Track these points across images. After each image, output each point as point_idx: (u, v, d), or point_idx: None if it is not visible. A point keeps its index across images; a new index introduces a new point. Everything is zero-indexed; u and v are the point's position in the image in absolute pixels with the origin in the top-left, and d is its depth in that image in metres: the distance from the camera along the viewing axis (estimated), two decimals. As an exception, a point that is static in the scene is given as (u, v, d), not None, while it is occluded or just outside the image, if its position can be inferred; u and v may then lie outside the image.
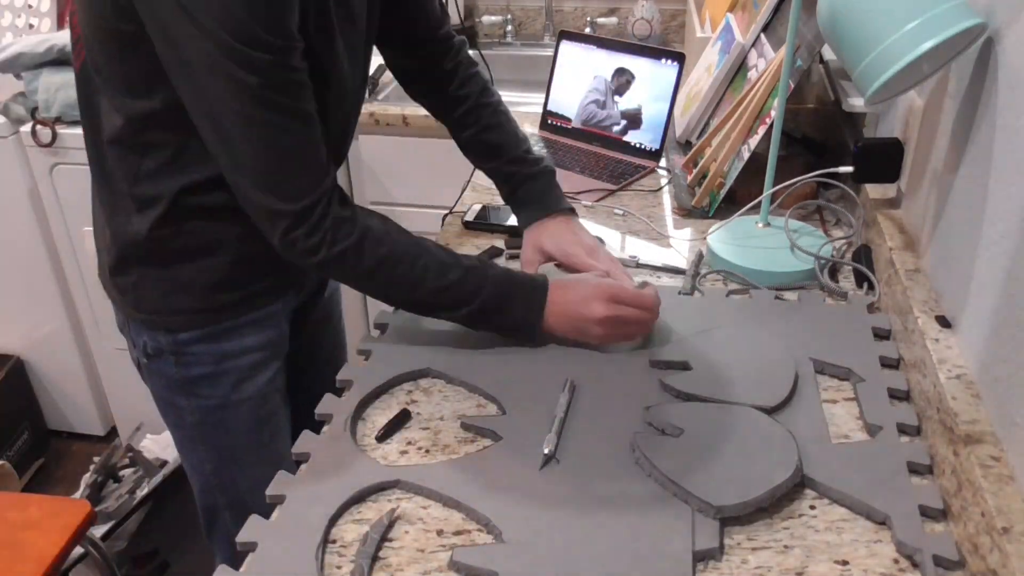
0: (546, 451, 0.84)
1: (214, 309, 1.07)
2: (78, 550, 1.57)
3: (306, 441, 0.88)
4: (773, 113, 1.16)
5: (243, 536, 0.77)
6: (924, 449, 0.84)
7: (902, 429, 0.87)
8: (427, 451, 0.88)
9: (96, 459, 2.00)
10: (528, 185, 1.16)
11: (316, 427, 0.91)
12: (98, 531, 1.83)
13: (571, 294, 0.98)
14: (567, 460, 0.84)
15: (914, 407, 0.90)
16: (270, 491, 0.82)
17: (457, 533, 0.78)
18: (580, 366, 0.97)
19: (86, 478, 1.96)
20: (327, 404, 0.93)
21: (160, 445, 2.08)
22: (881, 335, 1.01)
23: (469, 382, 0.95)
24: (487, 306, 0.97)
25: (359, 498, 0.82)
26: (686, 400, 0.91)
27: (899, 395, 0.92)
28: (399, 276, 0.95)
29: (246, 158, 0.88)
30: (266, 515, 0.80)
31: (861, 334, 1.00)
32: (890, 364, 0.96)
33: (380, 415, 0.93)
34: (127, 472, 2.02)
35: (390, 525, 0.79)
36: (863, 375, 0.94)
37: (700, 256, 1.19)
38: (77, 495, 1.92)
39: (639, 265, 1.19)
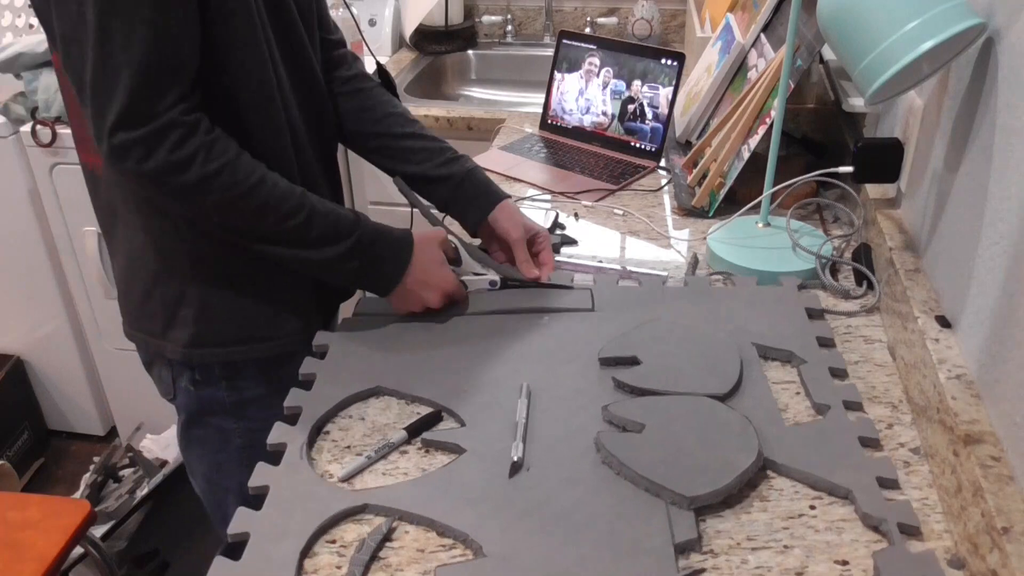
0: (515, 458, 0.83)
1: (280, 336, 1.08)
2: (78, 550, 1.57)
3: (263, 474, 0.83)
4: (773, 113, 1.16)
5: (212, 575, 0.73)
6: (871, 423, 0.87)
7: (848, 405, 0.90)
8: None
9: (96, 459, 2.00)
10: (471, 179, 1.14)
11: None
12: (98, 531, 1.83)
13: (431, 254, 1.05)
14: (535, 466, 0.83)
15: (855, 384, 0.94)
16: (231, 530, 0.77)
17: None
18: (531, 370, 0.96)
19: (86, 478, 1.96)
20: (278, 433, 0.88)
21: (160, 445, 2.08)
22: (814, 315, 1.04)
23: (423, 396, 0.93)
24: (360, 246, 0.99)
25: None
26: (640, 395, 0.92)
27: (839, 373, 0.95)
28: (274, 197, 0.94)
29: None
30: None
31: (796, 315, 1.03)
32: (826, 343, 0.99)
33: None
34: (127, 472, 2.01)
35: (388, 534, 0.78)
36: (804, 356, 0.96)
37: (695, 259, 1.19)
38: (77, 495, 1.92)
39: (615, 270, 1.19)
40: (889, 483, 0.81)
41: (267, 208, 0.94)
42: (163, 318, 1.06)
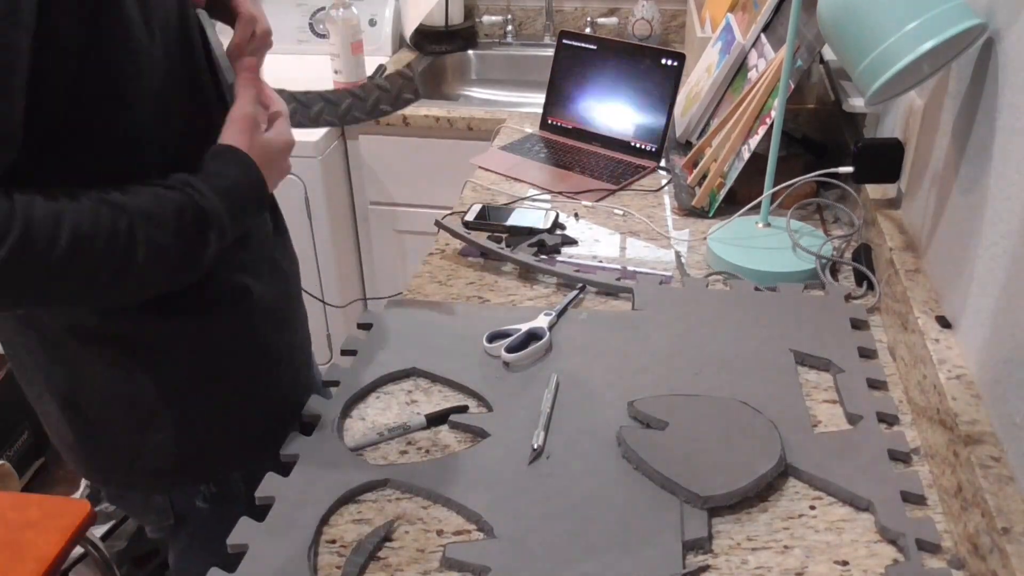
0: (535, 446, 0.85)
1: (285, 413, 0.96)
2: (78, 550, 1.57)
3: (294, 443, 0.88)
4: (773, 113, 1.16)
5: (234, 538, 0.76)
6: (904, 437, 0.86)
7: (881, 418, 0.88)
8: (427, 451, 0.88)
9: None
10: None
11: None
12: (98, 531, 1.83)
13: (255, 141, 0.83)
14: (555, 455, 0.85)
15: (892, 396, 0.92)
16: (259, 493, 0.81)
17: (457, 533, 0.78)
18: (564, 363, 0.98)
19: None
20: (314, 405, 0.92)
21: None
22: (858, 325, 1.03)
23: (455, 381, 0.96)
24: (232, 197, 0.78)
25: (349, 498, 0.82)
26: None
27: (877, 384, 0.94)
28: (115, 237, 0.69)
29: None
30: None
31: (839, 324, 1.02)
32: (868, 354, 0.98)
33: (369, 415, 0.93)
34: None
35: (386, 537, 0.78)
36: (842, 365, 0.95)
37: (678, 256, 1.20)
38: (77, 495, 1.92)
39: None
40: (914, 498, 0.79)
41: (92, 258, 0.69)
42: (168, 442, 0.90)
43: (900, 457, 0.84)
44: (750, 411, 0.88)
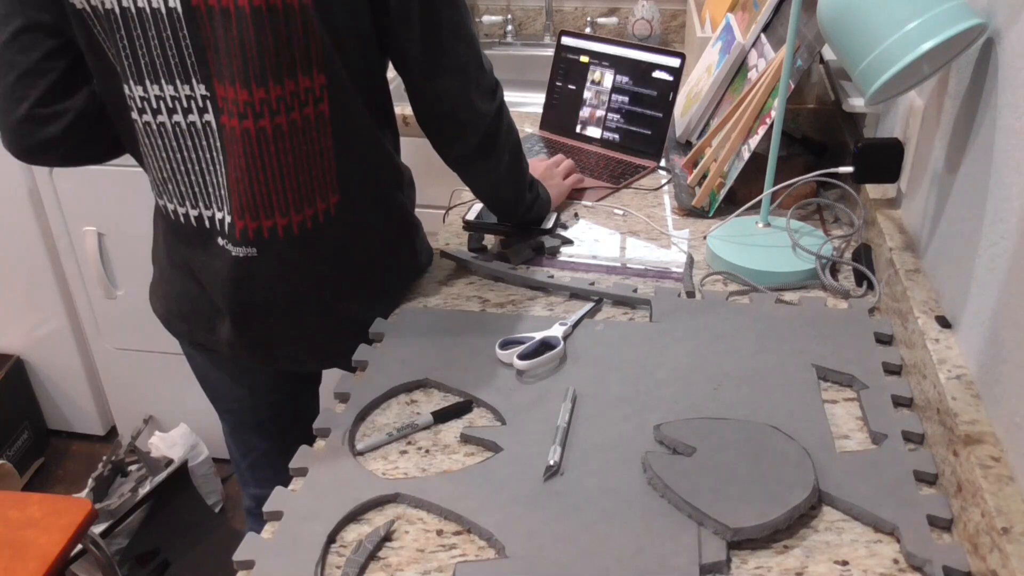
0: (551, 462, 0.83)
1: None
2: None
3: (303, 456, 0.87)
4: (773, 113, 1.16)
5: (240, 555, 0.75)
6: (930, 457, 0.83)
7: (907, 437, 0.86)
8: (427, 451, 0.88)
9: (104, 458, 2.00)
10: None
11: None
12: (98, 528, 1.83)
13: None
14: (570, 472, 0.83)
15: (918, 414, 0.89)
16: (267, 508, 0.80)
17: (457, 533, 0.79)
18: (580, 375, 0.96)
19: (95, 474, 1.97)
20: (324, 418, 0.91)
21: (167, 443, 2.07)
22: (883, 340, 1.00)
23: (467, 392, 0.94)
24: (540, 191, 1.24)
25: (358, 513, 0.81)
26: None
27: (903, 402, 0.91)
28: (521, 161, 1.14)
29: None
30: None
31: (863, 339, 0.99)
32: (893, 370, 0.95)
33: (378, 422, 0.93)
34: (134, 468, 2.02)
35: (386, 536, 0.78)
36: (866, 381, 0.92)
37: (691, 260, 1.19)
38: (84, 491, 1.93)
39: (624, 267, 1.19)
40: (941, 522, 0.76)
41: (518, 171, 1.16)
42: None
43: (926, 479, 0.81)
44: (782, 437, 0.84)
